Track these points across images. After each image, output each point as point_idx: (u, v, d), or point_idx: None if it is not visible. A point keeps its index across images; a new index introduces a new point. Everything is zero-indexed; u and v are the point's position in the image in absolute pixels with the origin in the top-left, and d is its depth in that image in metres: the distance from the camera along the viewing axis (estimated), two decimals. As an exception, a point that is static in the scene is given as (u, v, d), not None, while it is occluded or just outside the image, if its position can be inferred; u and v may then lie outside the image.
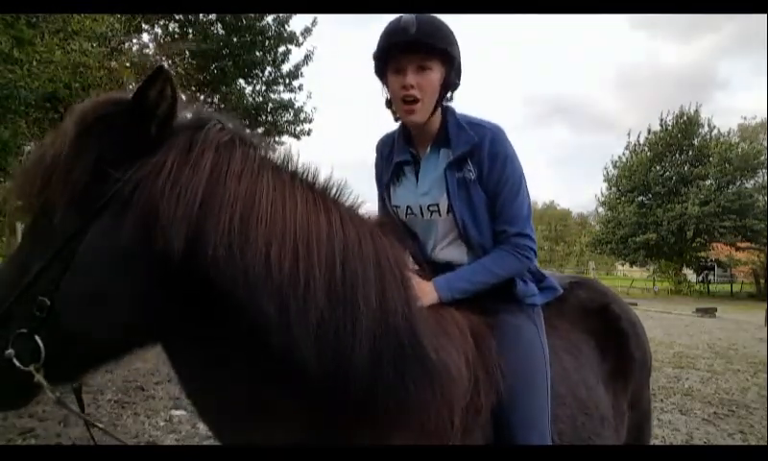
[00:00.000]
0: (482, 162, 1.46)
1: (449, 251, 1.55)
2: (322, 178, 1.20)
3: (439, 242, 1.57)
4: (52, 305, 0.96)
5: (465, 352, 1.28)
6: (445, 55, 1.42)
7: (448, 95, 1.52)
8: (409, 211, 1.57)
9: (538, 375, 1.45)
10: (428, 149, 1.55)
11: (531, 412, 1.38)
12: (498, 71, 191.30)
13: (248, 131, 1.16)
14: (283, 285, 1.01)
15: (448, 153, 1.50)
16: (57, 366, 1.00)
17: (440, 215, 1.52)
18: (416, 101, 1.42)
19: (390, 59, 1.44)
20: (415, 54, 1.40)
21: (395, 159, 1.58)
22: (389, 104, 1.55)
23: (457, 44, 1.46)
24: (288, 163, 1.16)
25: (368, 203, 1.38)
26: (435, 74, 1.43)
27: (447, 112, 1.54)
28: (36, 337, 0.96)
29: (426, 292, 1.35)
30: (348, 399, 1.08)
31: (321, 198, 1.15)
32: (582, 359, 1.73)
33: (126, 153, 0.99)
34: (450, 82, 1.48)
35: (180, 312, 1.03)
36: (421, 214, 1.55)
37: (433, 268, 1.50)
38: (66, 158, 0.98)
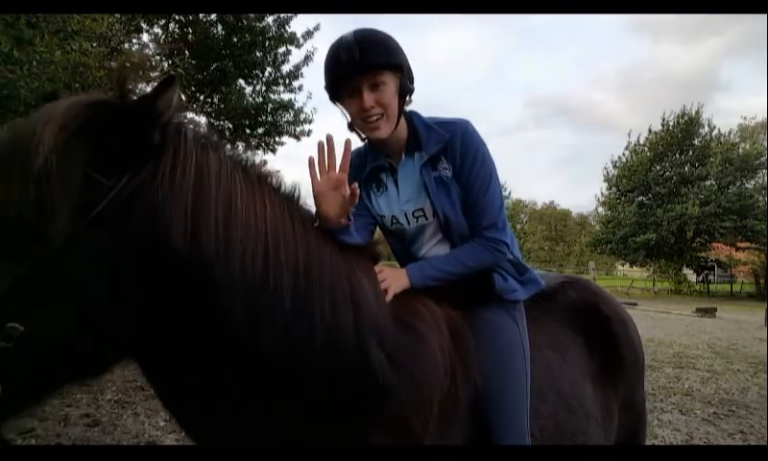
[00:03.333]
0: (455, 158, 1.47)
1: (437, 250, 1.57)
2: (284, 182, 1.22)
3: (426, 243, 1.58)
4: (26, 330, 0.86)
5: (440, 346, 1.30)
6: (394, 66, 1.42)
7: (408, 98, 1.51)
8: (394, 221, 1.58)
9: (516, 372, 1.46)
10: (402, 157, 1.55)
11: (509, 409, 1.40)
12: (500, 73, 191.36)
13: (206, 131, 1.14)
14: (255, 287, 1.03)
15: (422, 155, 1.50)
16: (23, 394, 0.93)
17: (427, 219, 1.54)
18: (379, 118, 1.42)
19: (340, 84, 1.43)
20: (365, 74, 1.38)
21: (369, 165, 1.58)
22: (351, 126, 1.52)
23: (401, 50, 1.45)
24: (252, 166, 1.17)
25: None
26: (390, 87, 1.42)
27: (413, 117, 1.53)
28: None
29: (399, 278, 1.39)
30: (309, 400, 1.11)
31: (285, 202, 1.17)
32: (568, 357, 1.74)
33: (117, 158, 0.94)
34: (405, 88, 1.47)
35: (174, 318, 1.02)
36: (407, 222, 1.56)
37: None
38: (53, 166, 0.87)
